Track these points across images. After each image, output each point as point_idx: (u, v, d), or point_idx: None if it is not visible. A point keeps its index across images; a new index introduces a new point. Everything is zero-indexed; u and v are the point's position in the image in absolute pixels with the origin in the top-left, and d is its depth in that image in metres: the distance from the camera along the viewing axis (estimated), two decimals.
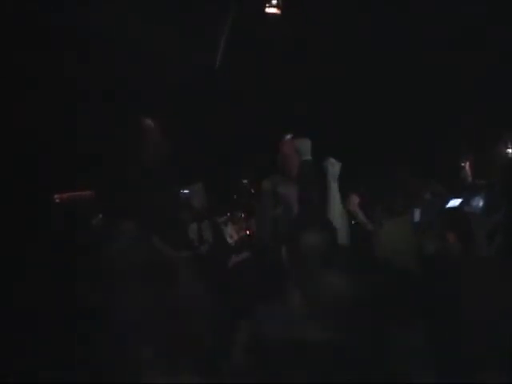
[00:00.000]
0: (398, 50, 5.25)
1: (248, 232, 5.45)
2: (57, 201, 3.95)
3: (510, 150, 3.72)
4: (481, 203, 3.31)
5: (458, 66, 4.98)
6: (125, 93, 4.51)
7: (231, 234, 5.55)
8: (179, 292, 2.10)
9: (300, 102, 5.62)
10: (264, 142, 5.45)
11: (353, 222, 4.60)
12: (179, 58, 4.68)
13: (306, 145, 3.70)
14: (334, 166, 3.70)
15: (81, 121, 4.32)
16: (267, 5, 5.63)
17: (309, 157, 3.58)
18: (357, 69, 5.48)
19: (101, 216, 3.83)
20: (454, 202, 3.55)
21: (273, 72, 5.62)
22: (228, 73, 5.11)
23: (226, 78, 5.17)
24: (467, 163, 4.06)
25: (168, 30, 4.69)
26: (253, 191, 5.46)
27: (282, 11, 5.61)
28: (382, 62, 5.39)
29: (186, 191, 4.36)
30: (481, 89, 4.72)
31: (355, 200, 4.33)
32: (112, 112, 4.36)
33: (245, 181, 5.48)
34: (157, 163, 3.49)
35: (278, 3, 5.58)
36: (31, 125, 4.04)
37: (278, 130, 5.50)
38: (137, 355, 1.85)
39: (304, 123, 5.48)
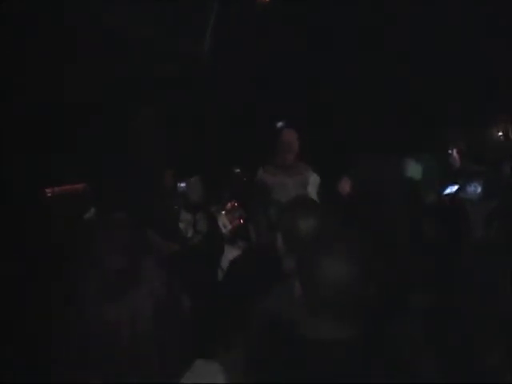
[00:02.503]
0: (394, 36, 5.23)
1: (242, 221, 5.42)
2: (49, 195, 3.90)
3: (507, 134, 3.70)
4: (478, 189, 3.31)
5: (455, 52, 4.98)
6: (117, 84, 4.44)
7: (225, 224, 5.51)
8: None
9: (297, 88, 5.58)
10: (262, 131, 5.42)
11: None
12: (170, 47, 4.61)
13: None
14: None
15: (76, 113, 4.25)
16: None
17: None
18: (349, 54, 5.45)
19: (93, 209, 3.80)
20: (451, 189, 3.55)
21: (265, 59, 5.57)
22: (219, 61, 5.05)
23: (216, 66, 5.11)
24: (454, 150, 4.07)
25: (155, 18, 4.61)
26: (245, 179, 5.42)
27: None
28: (375, 49, 5.37)
29: (182, 184, 4.35)
30: (477, 74, 4.72)
31: (346, 183, 4.32)
32: (106, 104, 4.30)
33: (237, 169, 5.44)
34: (153, 155, 3.46)
35: None
36: (25, 119, 3.98)
37: (276, 117, 5.49)
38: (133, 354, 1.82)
39: (302, 110, 5.46)
